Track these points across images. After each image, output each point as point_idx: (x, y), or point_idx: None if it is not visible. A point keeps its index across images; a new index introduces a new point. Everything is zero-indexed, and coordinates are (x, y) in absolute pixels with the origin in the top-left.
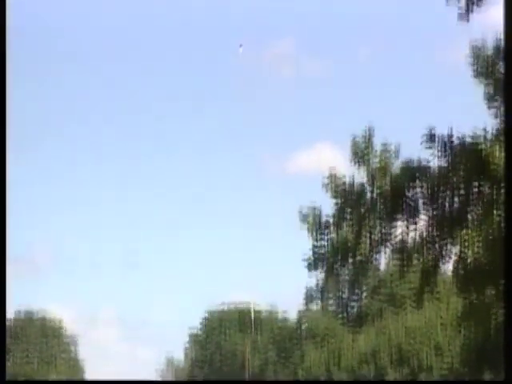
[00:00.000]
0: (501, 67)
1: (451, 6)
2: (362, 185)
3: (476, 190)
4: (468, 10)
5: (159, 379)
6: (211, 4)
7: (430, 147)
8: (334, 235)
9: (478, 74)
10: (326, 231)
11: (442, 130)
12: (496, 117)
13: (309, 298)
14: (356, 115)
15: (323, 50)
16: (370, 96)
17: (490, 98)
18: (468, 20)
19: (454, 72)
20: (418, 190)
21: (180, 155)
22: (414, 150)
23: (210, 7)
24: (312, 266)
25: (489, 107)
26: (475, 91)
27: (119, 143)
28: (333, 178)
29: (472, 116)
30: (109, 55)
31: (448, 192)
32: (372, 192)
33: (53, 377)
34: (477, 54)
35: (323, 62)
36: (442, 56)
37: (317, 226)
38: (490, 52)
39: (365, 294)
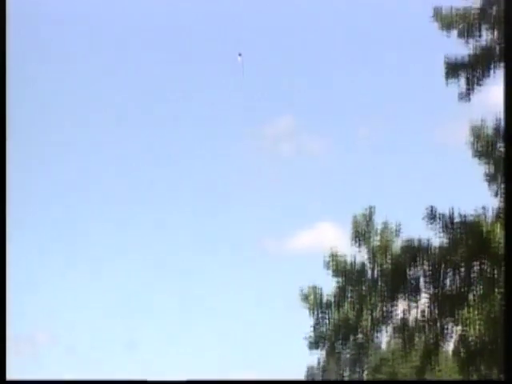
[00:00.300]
0: (501, 147)
1: (451, 85)
2: (363, 263)
3: (477, 268)
4: (469, 90)
5: None
6: (213, 90)
7: (431, 226)
8: (335, 314)
9: (477, 153)
10: (327, 310)
11: (442, 209)
12: (496, 195)
13: (310, 377)
14: (356, 194)
15: (323, 127)
16: (370, 175)
17: (490, 178)
18: (469, 100)
19: (454, 151)
20: (419, 268)
21: (179, 233)
22: (415, 228)
23: (212, 93)
24: (313, 344)
25: (489, 186)
26: (475, 170)
27: (117, 227)
28: (334, 256)
29: (472, 195)
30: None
31: (449, 270)
32: (373, 271)
33: None
34: (477, 134)
35: (323, 139)
36: (441, 135)
37: (318, 304)
38: (489, 132)
39: (366, 373)
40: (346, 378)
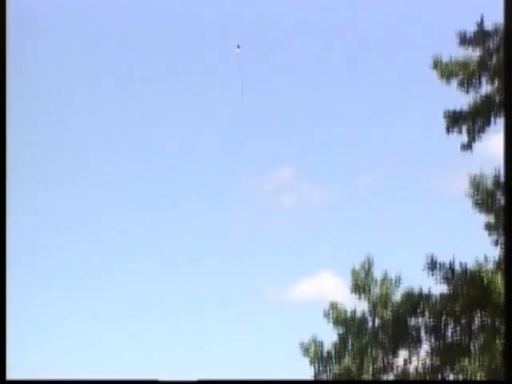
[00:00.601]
0: (501, 199)
1: (452, 135)
2: (364, 314)
3: (478, 318)
4: (470, 140)
5: None
6: (215, 141)
7: (431, 275)
8: (335, 365)
9: (477, 204)
10: (328, 362)
11: (442, 259)
12: (497, 245)
13: None
14: (356, 243)
15: (323, 177)
16: (370, 224)
17: (490, 228)
18: (471, 150)
19: (454, 201)
20: (420, 319)
21: (178, 281)
22: (415, 278)
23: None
24: None
25: (490, 235)
26: (475, 220)
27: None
28: (334, 307)
29: (473, 244)
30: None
31: (450, 321)
32: (373, 321)
33: None
34: (476, 185)
35: (323, 190)
36: (442, 184)
37: (318, 356)
38: (489, 183)
39: None
40: None
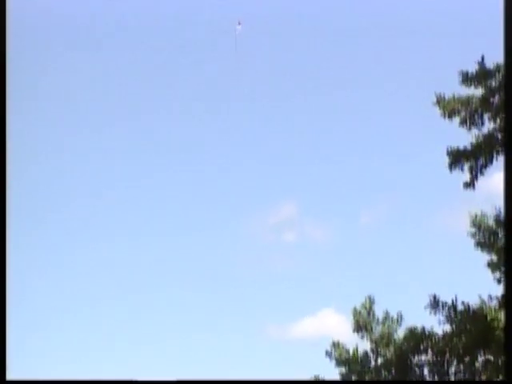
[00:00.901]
0: (503, 237)
1: (455, 173)
2: (366, 352)
3: (481, 356)
4: (472, 178)
5: None
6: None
7: (434, 314)
8: None
9: (479, 243)
10: None
11: (445, 297)
12: (499, 283)
13: None
14: (359, 280)
15: (325, 214)
16: (372, 261)
17: (492, 266)
18: (473, 188)
19: (457, 239)
20: (423, 357)
21: (180, 316)
22: (418, 316)
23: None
24: None
25: (492, 273)
26: (478, 258)
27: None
28: (336, 345)
29: (475, 282)
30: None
31: (453, 359)
32: (376, 360)
33: None
34: (478, 224)
35: (325, 227)
36: (444, 222)
37: None
38: (491, 221)
39: None
40: None
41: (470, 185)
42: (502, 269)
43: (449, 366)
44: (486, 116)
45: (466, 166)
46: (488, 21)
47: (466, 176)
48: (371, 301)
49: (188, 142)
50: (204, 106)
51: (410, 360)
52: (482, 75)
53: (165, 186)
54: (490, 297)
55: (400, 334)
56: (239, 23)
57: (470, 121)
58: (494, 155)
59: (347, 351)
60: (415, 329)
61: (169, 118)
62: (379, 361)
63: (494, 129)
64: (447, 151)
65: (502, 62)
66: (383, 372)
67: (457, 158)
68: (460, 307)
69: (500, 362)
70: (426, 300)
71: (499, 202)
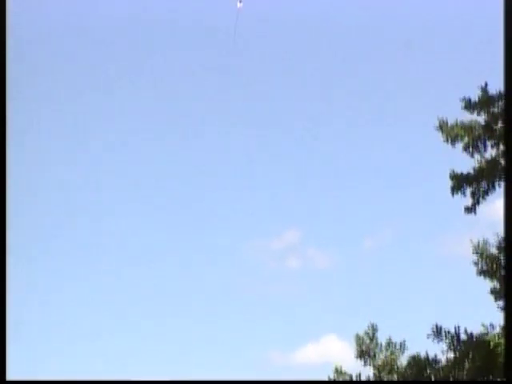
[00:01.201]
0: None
1: (457, 198)
2: (369, 379)
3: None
4: (474, 203)
5: None
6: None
7: (437, 341)
8: None
9: (482, 271)
10: None
11: (448, 324)
12: (503, 310)
13: None
14: (361, 307)
15: (329, 241)
16: (375, 289)
17: (495, 293)
18: (475, 213)
19: (459, 265)
20: None
21: (182, 341)
22: (420, 344)
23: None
24: None
25: (495, 301)
26: (481, 286)
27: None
28: (339, 372)
29: (478, 310)
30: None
31: None
32: None
33: None
34: (481, 252)
35: (329, 253)
36: (446, 249)
37: None
38: (494, 248)
39: None
40: None
41: (471, 209)
42: (504, 295)
43: None
44: (488, 142)
45: (469, 191)
46: (489, 48)
47: (468, 201)
48: (374, 328)
49: (191, 167)
50: (208, 129)
51: None
52: (484, 102)
53: (169, 210)
54: (493, 325)
55: (403, 361)
56: (240, 1)
57: (472, 147)
58: (497, 181)
59: (350, 377)
60: (418, 356)
61: (171, 142)
62: None
63: (497, 155)
64: (450, 175)
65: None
66: None
67: (459, 182)
68: (463, 336)
69: None
70: (429, 327)
71: (501, 228)
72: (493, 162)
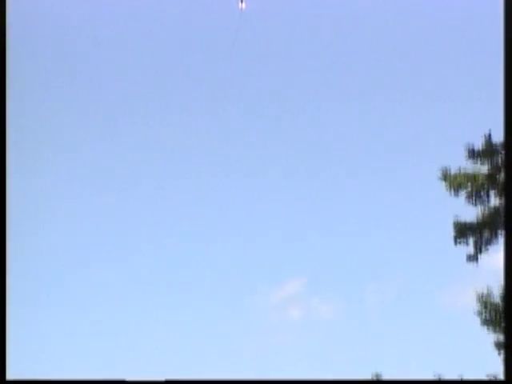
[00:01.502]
0: None
1: (460, 247)
2: None
3: None
4: (477, 253)
5: None
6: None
7: None
8: None
9: (486, 321)
10: None
11: (451, 375)
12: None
13: None
14: (364, 357)
15: (332, 290)
16: (378, 339)
17: (499, 346)
18: (477, 263)
19: (463, 316)
20: None
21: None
22: None
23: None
24: None
25: (499, 354)
26: (484, 338)
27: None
28: None
29: (481, 362)
30: None
31: None
32: None
33: None
34: (484, 302)
35: (332, 303)
36: (450, 299)
37: None
38: (497, 299)
39: None
40: None
41: (473, 258)
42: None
43: None
44: (492, 192)
45: (471, 241)
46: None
47: (470, 250)
48: (378, 377)
49: (192, 216)
50: (209, 181)
51: None
52: (488, 152)
53: (169, 261)
54: (496, 378)
55: None
56: (242, 1)
57: (475, 196)
58: (500, 231)
59: None
60: None
61: (170, 187)
62: None
63: (500, 205)
64: (453, 225)
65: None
66: None
67: (462, 231)
68: None
69: None
70: (433, 377)
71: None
72: (495, 212)
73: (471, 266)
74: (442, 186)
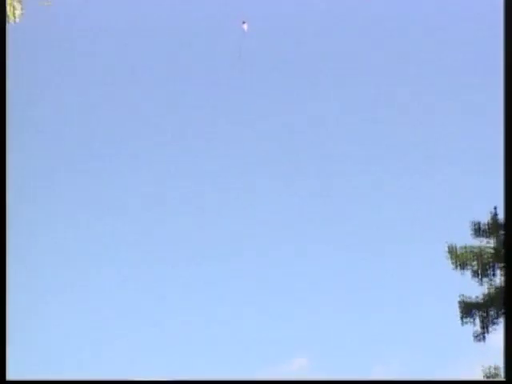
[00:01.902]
0: None
1: (466, 324)
2: None
3: None
4: (483, 330)
5: None
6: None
7: None
8: None
9: None
10: None
11: None
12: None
13: None
14: None
15: (337, 368)
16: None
17: None
18: (484, 340)
19: None
20: None
21: None
22: None
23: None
24: None
25: None
26: None
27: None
28: None
29: None
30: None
31: None
32: None
33: None
34: (492, 378)
35: (337, 380)
36: (457, 377)
37: None
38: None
39: None
40: None
41: (480, 337)
42: None
43: None
44: (497, 268)
45: (478, 318)
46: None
47: (477, 328)
48: None
49: (192, 293)
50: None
51: None
52: (494, 228)
53: (168, 331)
54: None
55: None
56: (244, 22)
57: (481, 272)
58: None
59: None
60: None
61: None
62: None
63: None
64: (459, 303)
65: None
66: None
67: (468, 309)
68: None
69: None
70: None
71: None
72: (502, 288)
73: (479, 343)
74: (448, 263)
